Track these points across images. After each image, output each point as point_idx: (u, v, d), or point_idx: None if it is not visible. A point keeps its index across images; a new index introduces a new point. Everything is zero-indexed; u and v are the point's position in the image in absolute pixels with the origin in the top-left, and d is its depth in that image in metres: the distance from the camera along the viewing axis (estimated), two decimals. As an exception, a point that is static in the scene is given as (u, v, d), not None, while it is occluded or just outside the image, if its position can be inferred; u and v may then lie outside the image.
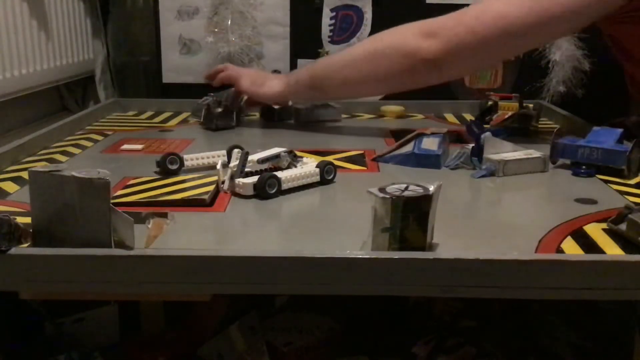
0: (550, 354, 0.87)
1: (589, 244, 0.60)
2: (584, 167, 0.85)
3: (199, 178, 0.80)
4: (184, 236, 0.63)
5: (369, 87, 1.06)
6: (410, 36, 0.97)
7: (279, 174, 0.76)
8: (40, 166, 0.56)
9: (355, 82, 1.04)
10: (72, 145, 1.03)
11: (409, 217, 0.53)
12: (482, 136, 0.87)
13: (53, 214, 0.53)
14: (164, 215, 0.64)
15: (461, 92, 1.47)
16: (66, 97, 1.52)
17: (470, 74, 1.11)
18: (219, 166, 0.78)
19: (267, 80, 1.16)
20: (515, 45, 0.98)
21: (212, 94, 1.31)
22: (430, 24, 0.96)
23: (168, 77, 1.49)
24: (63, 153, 0.98)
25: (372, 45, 1.03)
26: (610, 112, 1.09)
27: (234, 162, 0.77)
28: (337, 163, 0.86)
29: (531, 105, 1.19)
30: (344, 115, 1.28)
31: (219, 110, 1.15)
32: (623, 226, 0.61)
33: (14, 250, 0.52)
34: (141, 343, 0.91)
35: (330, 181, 0.81)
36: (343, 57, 1.06)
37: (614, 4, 0.88)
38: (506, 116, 1.12)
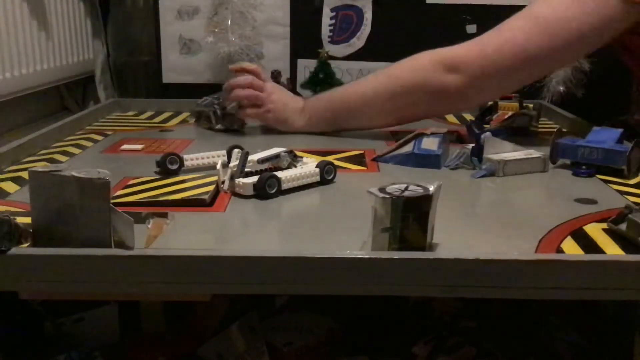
0: (550, 354, 0.87)
1: (589, 244, 0.60)
2: (584, 167, 0.85)
3: (199, 178, 0.80)
4: (184, 236, 0.63)
5: (393, 122, 1.07)
6: (432, 71, 0.97)
7: (279, 174, 0.76)
8: (40, 166, 0.56)
9: (380, 119, 1.06)
10: (72, 145, 1.03)
11: (409, 217, 0.53)
12: (482, 136, 0.87)
13: (53, 214, 0.53)
14: (164, 215, 0.64)
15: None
16: (66, 97, 1.52)
17: (496, 98, 1.12)
18: (219, 166, 0.78)
19: (288, 116, 1.12)
20: (539, 71, 1.01)
21: (214, 95, 1.32)
22: (451, 57, 0.96)
23: (168, 77, 1.49)
24: (63, 153, 0.98)
25: (393, 82, 1.02)
26: (610, 112, 1.09)
27: (234, 162, 0.77)
28: (337, 163, 0.86)
29: (531, 105, 1.19)
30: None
31: (220, 112, 1.15)
32: (623, 226, 0.61)
33: (14, 250, 0.52)
34: (141, 343, 0.91)
35: (330, 181, 0.81)
36: (365, 94, 1.05)
37: (627, 22, 0.90)
38: (506, 116, 1.12)
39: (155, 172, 0.85)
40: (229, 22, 1.41)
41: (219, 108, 1.15)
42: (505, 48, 0.93)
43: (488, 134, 0.88)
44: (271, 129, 1.16)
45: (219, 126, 1.15)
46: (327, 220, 0.70)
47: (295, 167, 0.81)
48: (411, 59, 1.01)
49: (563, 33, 0.90)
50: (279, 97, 1.12)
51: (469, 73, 0.95)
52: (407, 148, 0.91)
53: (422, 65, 0.99)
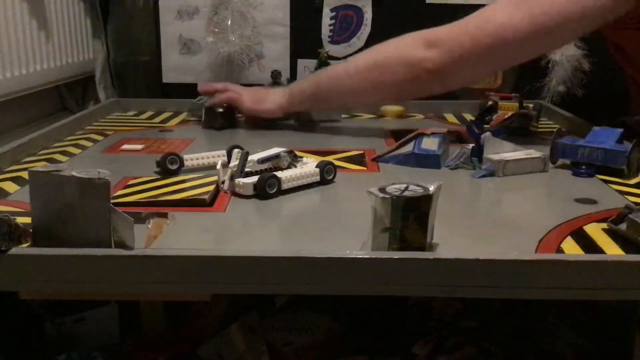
0: (550, 354, 0.87)
1: (589, 244, 0.60)
2: (584, 167, 0.85)
3: (199, 178, 0.80)
4: (184, 236, 0.63)
5: (372, 97, 1.07)
6: (413, 46, 0.98)
7: (279, 174, 0.76)
8: (40, 166, 0.56)
9: (359, 91, 1.05)
10: (72, 145, 1.03)
11: (409, 217, 0.53)
12: (482, 136, 0.87)
13: (53, 214, 0.53)
14: (164, 215, 0.64)
15: (461, 92, 1.47)
16: (66, 97, 1.52)
17: (473, 83, 1.12)
18: (219, 166, 0.78)
19: (267, 95, 1.15)
20: (518, 54, 0.99)
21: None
22: (433, 34, 0.97)
23: (168, 77, 1.49)
24: (63, 153, 0.98)
25: (375, 55, 1.03)
26: (610, 112, 1.09)
27: (234, 162, 0.77)
28: (337, 163, 0.86)
29: (531, 105, 1.19)
30: (343, 116, 1.28)
31: (220, 110, 1.15)
32: (623, 226, 0.61)
33: (14, 250, 0.52)
34: (141, 343, 0.91)
35: (330, 181, 0.81)
36: (347, 68, 1.06)
37: (618, 11, 0.89)
38: (506, 116, 1.12)
39: (155, 172, 0.85)
40: (229, 22, 1.41)
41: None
42: (485, 27, 0.92)
43: (488, 134, 0.88)
44: (271, 129, 1.16)
45: (219, 122, 1.16)
46: (327, 220, 0.70)
47: (295, 167, 0.81)
48: (397, 39, 1.01)
49: (545, 18, 0.89)
50: (254, 88, 1.20)
51: (447, 49, 0.94)
52: (407, 148, 0.91)
53: (404, 41, 0.99)
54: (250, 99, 1.15)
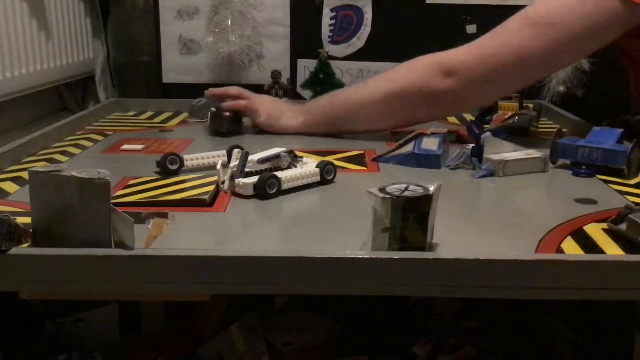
0: (550, 354, 0.87)
1: (589, 244, 0.60)
2: (584, 167, 0.85)
3: (199, 178, 0.80)
4: (184, 236, 0.63)
5: (388, 125, 1.07)
6: (430, 75, 0.97)
7: (279, 174, 0.76)
8: (40, 166, 0.56)
9: (376, 120, 1.05)
10: (72, 145, 1.03)
11: (409, 217, 0.53)
12: (482, 136, 0.87)
13: (53, 214, 0.53)
14: (164, 215, 0.64)
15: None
16: (66, 97, 1.52)
17: (492, 103, 1.12)
18: (219, 166, 0.78)
19: (282, 113, 1.12)
20: (537, 74, 1.01)
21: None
22: (448, 61, 0.96)
23: (168, 77, 1.49)
24: (63, 153, 0.98)
25: (391, 85, 1.01)
26: (610, 112, 1.09)
27: (234, 162, 0.77)
28: (337, 163, 0.86)
29: (531, 105, 1.19)
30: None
31: (227, 114, 1.12)
32: (623, 226, 0.61)
33: (14, 250, 0.52)
34: (141, 343, 0.91)
35: (330, 181, 0.81)
36: (362, 97, 1.05)
37: (629, 24, 0.89)
38: (506, 116, 1.12)
39: (155, 172, 0.85)
40: (229, 22, 1.41)
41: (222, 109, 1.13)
42: (502, 52, 0.93)
43: (488, 134, 0.88)
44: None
45: (225, 127, 1.12)
46: (327, 220, 0.70)
47: (295, 167, 0.81)
48: (409, 63, 1.01)
49: (560, 36, 0.90)
50: (271, 100, 1.15)
51: (466, 77, 0.95)
52: (407, 148, 0.91)
53: (420, 69, 0.99)
54: (265, 113, 1.12)
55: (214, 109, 1.13)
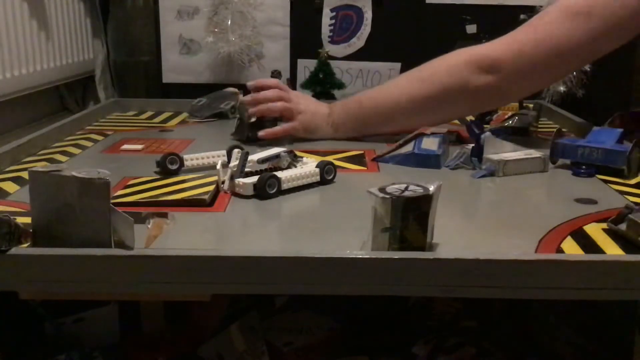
0: (550, 354, 0.87)
1: (589, 244, 0.60)
2: (584, 167, 0.85)
3: (199, 178, 0.80)
4: (184, 236, 0.62)
5: (425, 123, 1.01)
6: (468, 72, 0.95)
7: (279, 174, 0.76)
8: (40, 166, 0.56)
9: (414, 121, 1.00)
10: (72, 145, 1.03)
11: (409, 217, 0.53)
12: (482, 136, 0.87)
13: (53, 214, 0.53)
14: (164, 215, 0.64)
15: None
16: (66, 97, 1.52)
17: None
18: (219, 166, 0.78)
19: (317, 124, 1.07)
20: (576, 64, 0.99)
21: (209, 96, 1.31)
22: (486, 57, 0.94)
23: (168, 77, 1.49)
24: (63, 153, 0.98)
25: (428, 88, 0.98)
26: (610, 112, 1.09)
27: (234, 162, 0.77)
28: (337, 163, 0.86)
29: (531, 105, 1.19)
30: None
31: (252, 120, 1.06)
32: (623, 226, 0.61)
33: (14, 250, 0.52)
34: (141, 343, 0.91)
35: (330, 181, 0.81)
36: (398, 101, 1.01)
37: None
38: (506, 116, 1.12)
39: (155, 172, 0.85)
40: (229, 22, 1.41)
41: (248, 115, 1.06)
42: (542, 45, 0.91)
43: (488, 134, 0.88)
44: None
45: (246, 134, 1.06)
46: (327, 220, 0.70)
47: (295, 167, 0.81)
48: (443, 61, 0.98)
49: (601, 25, 0.88)
50: (306, 106, 1.08)
51: (506, 73, 0.93)
52: (407, 148, 0.91)
53: (457, 67, 0.96)
54: (302, 127, 1.07)
55: (249, 116, 1.06)
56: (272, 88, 1.08)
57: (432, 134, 0.91)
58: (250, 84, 1.10)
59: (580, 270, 0.52)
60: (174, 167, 0.85)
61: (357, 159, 0.94)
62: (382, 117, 1.04)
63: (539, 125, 1.17)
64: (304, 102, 1.09)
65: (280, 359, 0.88)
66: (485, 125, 1.04)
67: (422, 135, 0.91)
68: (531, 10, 1.36)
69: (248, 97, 1.08)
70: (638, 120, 0.92)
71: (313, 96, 1.32)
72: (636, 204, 0.70)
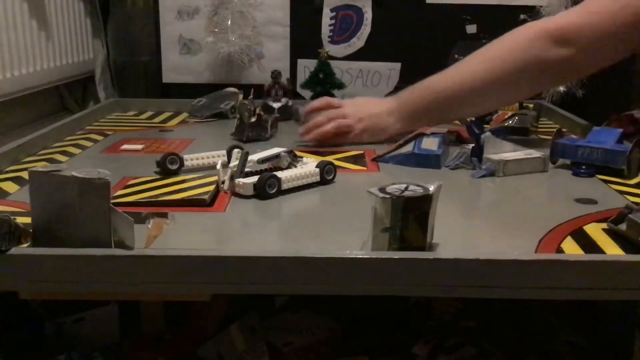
0: (550, 354, 0.87)
1: (589, 244, 0.60)
2: (584, 167, 0.85)
3: (199, 178, 0.80)
4: (184, 236, 0.63)
5: (499, 105, 1.01)
6: (540, 48, 0.91)
7: (279, 174, 0.76)
8: (40, 166, 0.56)
9: (486, 104, 0.99)
10: (72, 145, 1.03)
11: (409, 217, 0.53)
12: (482, 136, 0.87)
13: (53, 214, 0.53)
14: (164, 215, 0.64)
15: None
16: (66, 97, 1.52)
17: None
18: (219, 166, 0.78)
19: (384, 127, 1.03)
20: None
21: (209, 96, 1.31)
22: (558, 28, 0.91)
23: (168, 77, 1.49)
24: (63, 153, 0.98)
25: (500, 66, 0.94)
26: (610, 112, 1.09)
27: (234, 162, 0.77)
28: (337, 163, 0.86)
29: (531, 105, 1.19)
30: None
31: (252, 120, 1.06)
32: (623, 226, 0.61)
33: (14, 250, 0.52)
34: (141, 343, 0.91)
35: (330, 181, 0.81)
36: (468, 83, 0.96)
37: None
38: (506, 116, 1.12)
39: (155, 172, 0.85)
40: (229, 22, 1.41)
41: (249, 115, 1.06)
42: (619, 14, 0.87)
43: (488, 134, 0.88)
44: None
45: (246, 134, 1.06)
46: (327, 220, 0.70)
47: (295, 167, 0.81)
48: (511, 37, 0.94)
49: None
50: (366, 111, 1.04)
51: (583, 44, 0.89)
52: (407, 148, 0.91)
53: (528, 42, 0.92)
54: (368, 134, 1.03)
55: (237, 117, 1.06)
56: (322, 108, 1.05)
57: (432, 134, 0.91)
58: (304, 111, 1.08)
59: (580, 270, 0.52)
60: (174, 167, 0.85)
61: (357, 159, 0.94)
62: (452, 102, 0.98)
63: (539, 125, 1.17)
64: (361, 108, 1.05)
65: (280, 359, 0.88)
66: (485, 125, 1.04)
67: (422, 135, 0.91)
68: (531, 10, 1.36)
69: (302, 129, 1.05)
70: (635, 122, 0.92)
71: (313, 96, 1.32)
72: (636, 204, 0.70)
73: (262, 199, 0.74)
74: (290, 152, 0.82)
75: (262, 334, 0.89)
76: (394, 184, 0.55)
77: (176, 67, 1.48)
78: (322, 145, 1.01)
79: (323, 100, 1.09)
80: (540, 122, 1.18)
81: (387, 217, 0.53)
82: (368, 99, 1.10)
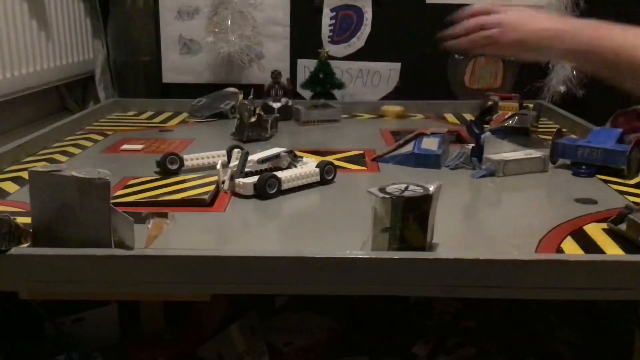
0: (550, 354, 0.87)
1: (589, 244, 0.60)
2: (584, 167, 0.85)
3: (199, 178, 0.80)
4: (184, 236, 0.63)
5: None
6: None
7: (279, 174, 0.76)
8: (40, 166, 0.56)
9: None
10: (72, 145, 1.03)
11: (409, 217, 0.53)
12: (482, 136, 0.87)
13: (53, 214, 0.53)
14: (164, 215, 0.64)
15: (461, 92, 1.47)
16: (66, 97, 1.52)
17: None
18: (219, 166, 0.78)
19: (547, 45, 0.89)
20: None
21: (209, 95, 1.31)
22: None
23: (168, 77, 1.49)
24: (63, 153, 0.98)
25: None
26: (610, 112, 1.08)
27: (234, 162, 0.77)
28: (337, 163, 0.86)
29: (531, 105, 1.19)
30: (344, 115, 1.28)
31: (252, 120, 1.05)
32: (623, 226, 0.61)
33: (14, 250, 0.52)
34: (141, 343, 0.91)
35: (330, 181, 0.81)
36: None
37: None
38: (506, 116, 1.12)
39: (155, 172, 0.85)
40: (229, 22, 1.41)
41: (249, 115, 1.05)
42: None
43: (488, 134, 0.88)
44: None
45: (246, 134, 1.05)
46: (327, 220, 0.70)
47: (295, 167, 0.81)
48: None
49: None
50: (526, 28, 0.90)
51: None
52: (407, 148, 0.91)
53: None
54: (517, 50, 0.93)
55: (237, 116, 1.05)
56: (482, 14, 0.95)
57: (432, 134, 0.91)
58: (459, 15, 0.98)
59: (580, 270, 0.52)
60: (174, 167, 0.85)
61: (357, 159, 0.94)
62: (619, 63, 0.85)
63: (539, 125, 1.17)
64: (525, 20, 0.92)
65: (280, 359, 0.88)
66: (485, 125, 1.04)
67: (422, 135, 0.91)
68: (531, 10, 1.36)
69: (448, 33, 0.97)
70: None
71: (313, 97, 1.32)
72: (636, 204, 0.71)
73: (262, 199, 0.74)
74: (290, 152, 0.82)
75: (262, 334, 0.89)
76: (394, 184, 0.55)
77: (176, 67, 1.48)
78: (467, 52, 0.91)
79: (477, 7, 0.97)
80: (540, 122, 1.18)
81: (387, 217, 0.53)
82: (537, 13, 0.97)
